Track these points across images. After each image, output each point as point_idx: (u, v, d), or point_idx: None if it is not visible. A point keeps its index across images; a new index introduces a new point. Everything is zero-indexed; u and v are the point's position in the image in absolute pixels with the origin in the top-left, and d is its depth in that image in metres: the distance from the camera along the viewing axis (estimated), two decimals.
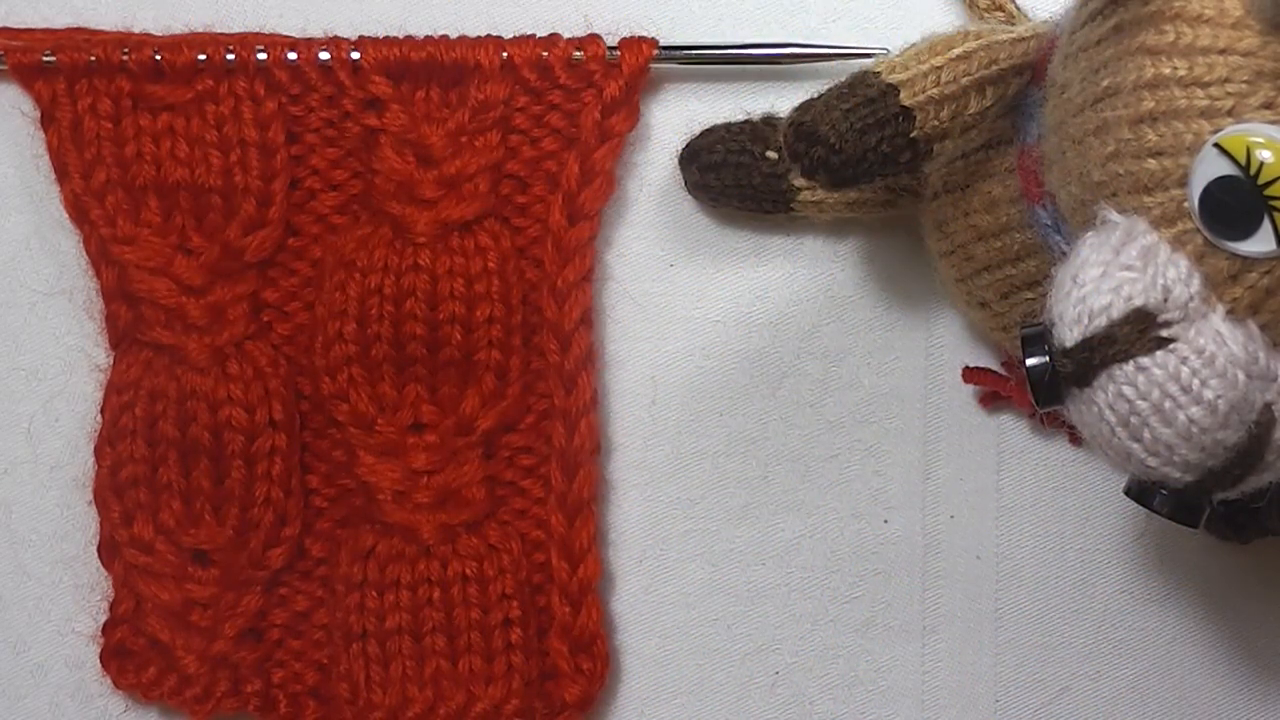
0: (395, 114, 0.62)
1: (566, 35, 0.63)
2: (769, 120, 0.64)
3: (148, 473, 0.62)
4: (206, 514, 0.62)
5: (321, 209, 0.63)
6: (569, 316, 0.62)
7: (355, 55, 0.62)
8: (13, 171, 0.65)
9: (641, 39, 0.62)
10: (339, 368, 0.62)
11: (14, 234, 0.65)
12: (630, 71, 0.62)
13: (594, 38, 0.62)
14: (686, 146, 0.64)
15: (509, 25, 0.63)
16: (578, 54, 0.62)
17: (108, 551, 0.63)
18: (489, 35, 0.62)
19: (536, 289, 0.62)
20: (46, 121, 0.62)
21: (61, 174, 0.62)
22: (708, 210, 0.66)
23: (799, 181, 0.62)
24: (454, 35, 0.63)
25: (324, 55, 0.62)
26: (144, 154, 0.62)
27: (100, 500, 0.62)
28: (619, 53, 0.62)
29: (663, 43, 0.63)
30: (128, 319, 0.62)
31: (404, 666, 0.61)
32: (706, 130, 0.64)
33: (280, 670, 0.63)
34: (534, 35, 0.62)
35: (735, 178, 0.63)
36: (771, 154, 0.63)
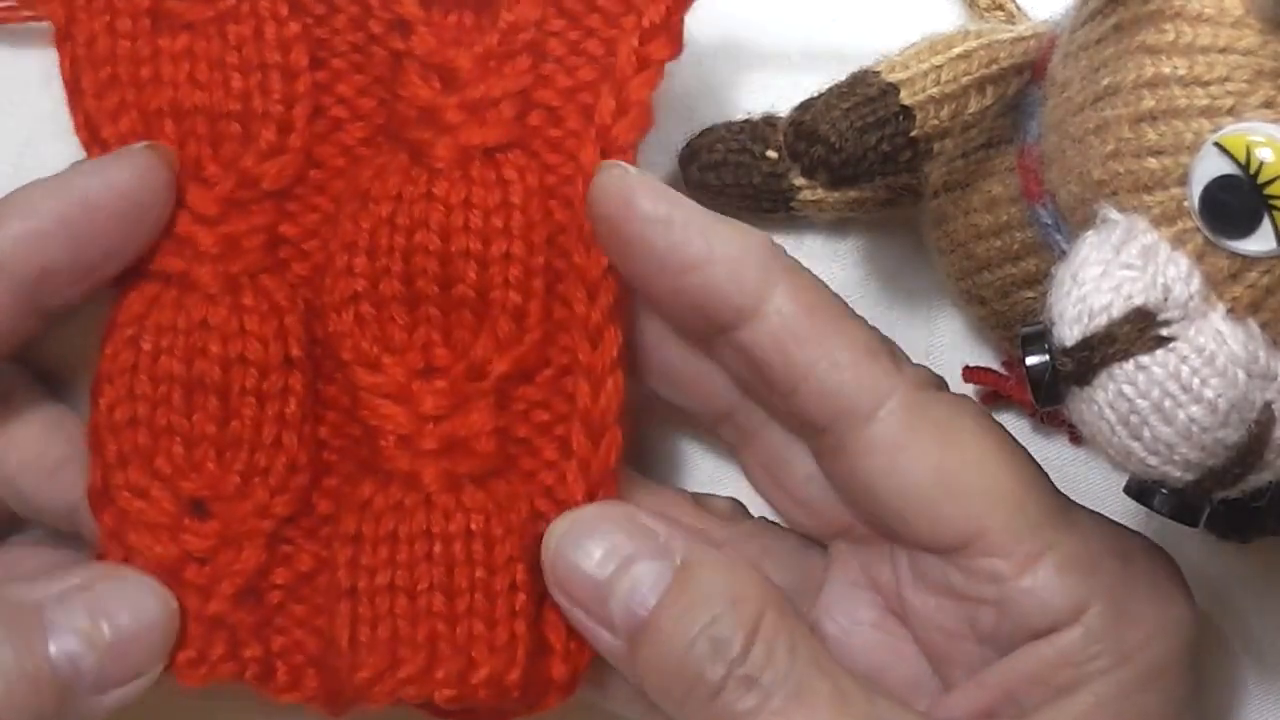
0: (422, 36, 0.57)
1: None
2: (769, 120, 0.64)
3: (148, 412, 0.57)
4: (209, 460, 0.57)
5: (347, 140, 0.59)
6: (597, 262, 0.56)
7: None
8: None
9: None
10: (346, 304, 0.57)
11: None
12: None
13: None
14: (686, 146, 0.64)
15: None
16: None
17: (99, 498, 0.57)
18: None
19: (565, 232, 0.57)
20: (62, 40, 0.58)
21: (75, 94, 0.58)
22: (709, 207, 0.65)
23: (799, 180, 0.62)
24: None
25: None
26: (161, 76, 0.58)
27: (95, 441, 0.57)
28: None
29: None
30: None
31: (395, 627, 0.55)
32: (706, 130, 0.64)
33: (281, 637, 0.57)
34: None
35: (735, 177, 0.63)
36: (771, 153, 0.63)
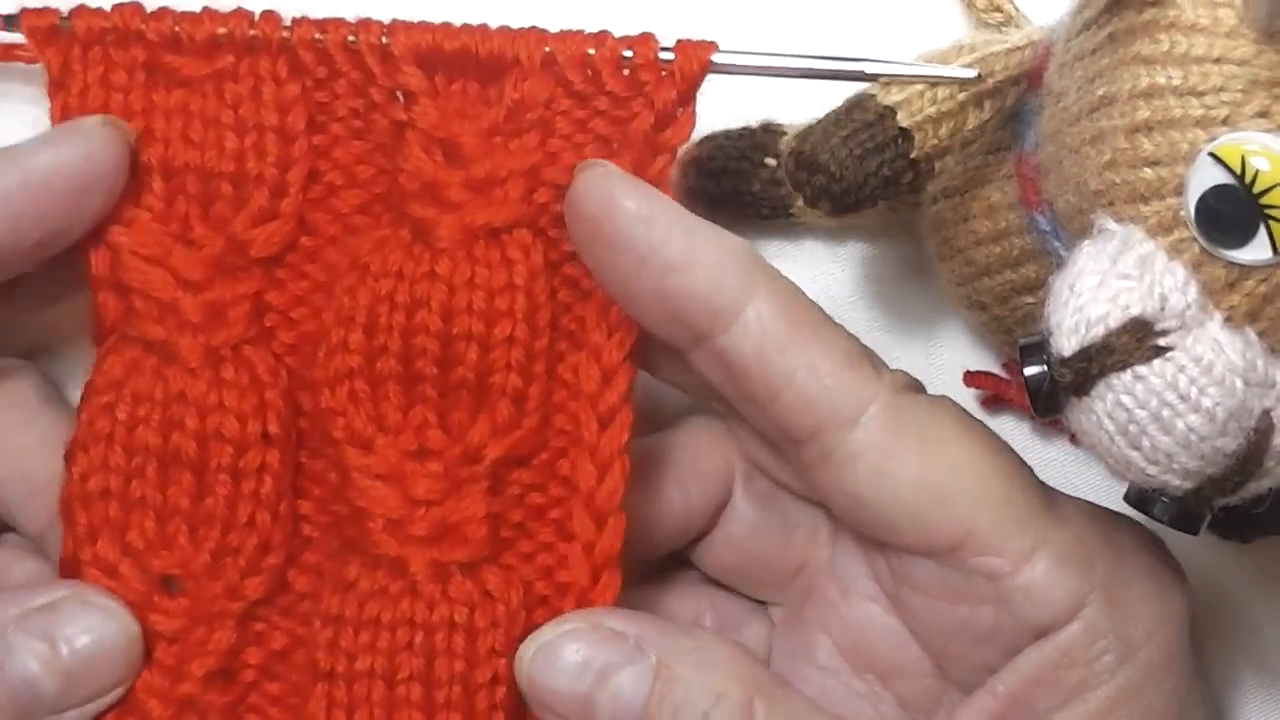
0: (425, 108, 0.55)
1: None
2: (768, 127, 0.64)
3: (121, 484, 0.56)
4: (181, 535, 0.56)
5: (342, 207, 0.57)
6: (618, 346, 0.55)
7: (385, 40, 0.55)
8: None
9: (699, 42, 0.55)
10: (340, 380, 0.55)
11: None
12: (686, 78, 0.54)
13: (646, 37, 0.55)
14: (685, 153, 0.64)
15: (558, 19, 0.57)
16: (627, 53, 0.54)
17: (69, 571, 0.56)
18: (532, 27, 0.55)
19: (570, 311, 0.56)
20: (55, 89, 0.57)
21: None
22: (708, 215, 0.65)
23: None
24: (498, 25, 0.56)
25: (352, 39, 0.56)
26: (153, 130, 0.57)
27: (66, 511, 0.56)
28: (673, 56, 0.54)
29: (723, 46, 0.55)
30: (117, 311, 0.56)
31: (372, 713, 0.54)
32: (705, 137, 0.64)
33: (253, 715, 0.57)
34: (581, 31, 0.55)
35: (734, 185, 0.63)
36: (770, 161, 0.63)
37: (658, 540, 0.59)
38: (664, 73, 0.54)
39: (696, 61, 0.54)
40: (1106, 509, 0.55)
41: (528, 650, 0.53)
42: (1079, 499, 0.55)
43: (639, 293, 0.52)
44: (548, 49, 0.55)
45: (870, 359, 0.53)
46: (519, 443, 0.56)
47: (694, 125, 0.55)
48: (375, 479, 0.55)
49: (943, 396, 0.55)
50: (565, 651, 0.53)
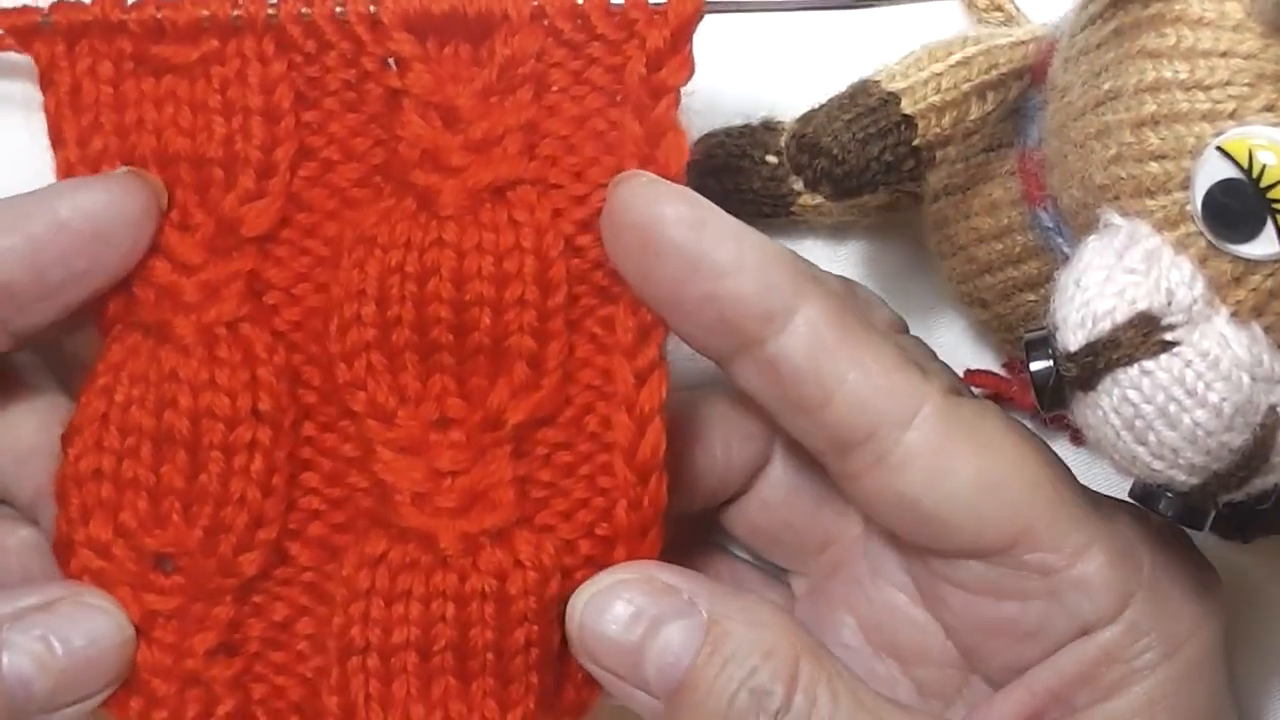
0: (419, 74, 0.55)
1: None
2: (768, 125, 0.64)
3: (113, 465, 0.55)
4: (174, 513, 0.56)
5: (340, 182, 0.57)
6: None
7: (373, 8, 0.55)
8: None
9: None
10: (356, 353, 0.55)
11: None
12: (678, 18, 0.53)
13: None
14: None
15: None
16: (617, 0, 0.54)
17: (63, 551, 0.56)
18: None
19: (603, 266, 0.55)
20: (45, 84, 0.57)
21: (57, 142, 0.57)
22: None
23: (799, 186, 0.62)
24: None
25: (340, 9, 0.55)
26: (145, 121, 0.57)
27: (60, 493, 0.56)
28: None
29: None
30: (119, 301, 0.56)
31: (409, 684, 0.55)
32: (706, 135, 0.64)
33: (261, 685, 0.57)
34: None
35: (735, 183, 0.63)
36: (771, 158, 0.63)
37: (695, 495, 0.59)
38: (656, 15, 0.54)
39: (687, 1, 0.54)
40: (1145, 509, 0.55)
41: (580, 598, 0.53)
42: (1119, 499, 0.55)
43: (687, 299, 0.52)
44: (536, 1, 0.54)
45: (917, 362, 0.53)
46: (540, 404, 0.55)
47: (693, 68, 0.54)
48: (399, 452, 0.55)
49: (987, 400, 0.55)
50: (617, 601, 0.53)
